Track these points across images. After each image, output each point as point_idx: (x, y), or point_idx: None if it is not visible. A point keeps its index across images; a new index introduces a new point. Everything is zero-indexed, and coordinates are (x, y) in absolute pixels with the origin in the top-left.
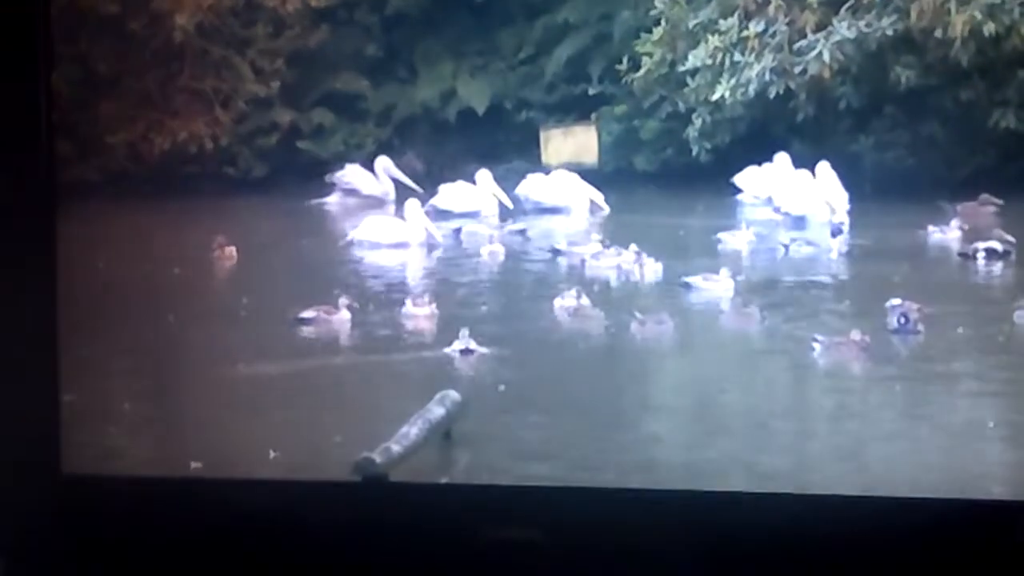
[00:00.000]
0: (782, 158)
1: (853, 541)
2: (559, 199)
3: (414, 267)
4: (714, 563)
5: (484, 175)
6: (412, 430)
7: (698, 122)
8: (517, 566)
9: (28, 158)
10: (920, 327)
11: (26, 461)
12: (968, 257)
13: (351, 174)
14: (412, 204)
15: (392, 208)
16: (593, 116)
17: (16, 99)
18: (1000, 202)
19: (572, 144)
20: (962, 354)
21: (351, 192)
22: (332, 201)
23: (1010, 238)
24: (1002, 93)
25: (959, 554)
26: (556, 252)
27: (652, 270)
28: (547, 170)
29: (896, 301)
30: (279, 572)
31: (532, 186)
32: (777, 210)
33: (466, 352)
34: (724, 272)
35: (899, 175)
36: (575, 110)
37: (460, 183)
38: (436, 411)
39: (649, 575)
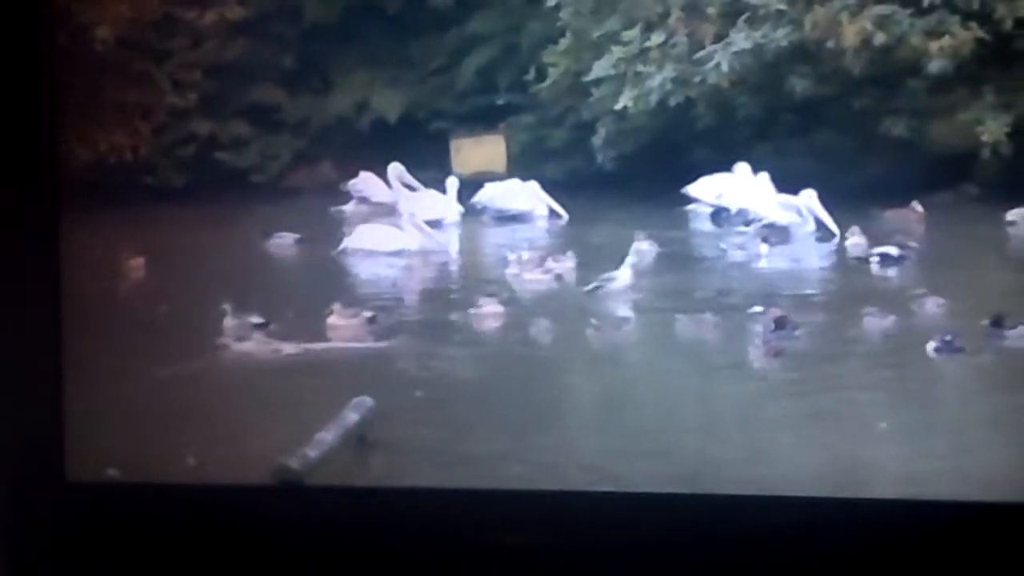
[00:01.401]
0: (743, 167)
1: (852, 543)
2: (519, 206)
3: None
4: (712, 566)
5: (452, 183)
6: (328, 436)
7: (603, 131)
8: (511, 572)
9: None
10: (796, 332)
11: (30, 469)
12: (862, 261)
13: (363, 182)
14: (407, 206)
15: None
16: (502, 126)
17: None
18: (920, 210)
19: (482, 153)
20: (828, 358)
21: (364, 200)
22: (348, 209)
23: (912, 243)
24: (892, 102)
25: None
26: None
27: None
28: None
29: (758, 308)
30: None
31: (491, 194)
32: (751, 220)
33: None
34: (625, 273)
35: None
36: (485, 120)
37: (430, 191)
38: (351, 417)
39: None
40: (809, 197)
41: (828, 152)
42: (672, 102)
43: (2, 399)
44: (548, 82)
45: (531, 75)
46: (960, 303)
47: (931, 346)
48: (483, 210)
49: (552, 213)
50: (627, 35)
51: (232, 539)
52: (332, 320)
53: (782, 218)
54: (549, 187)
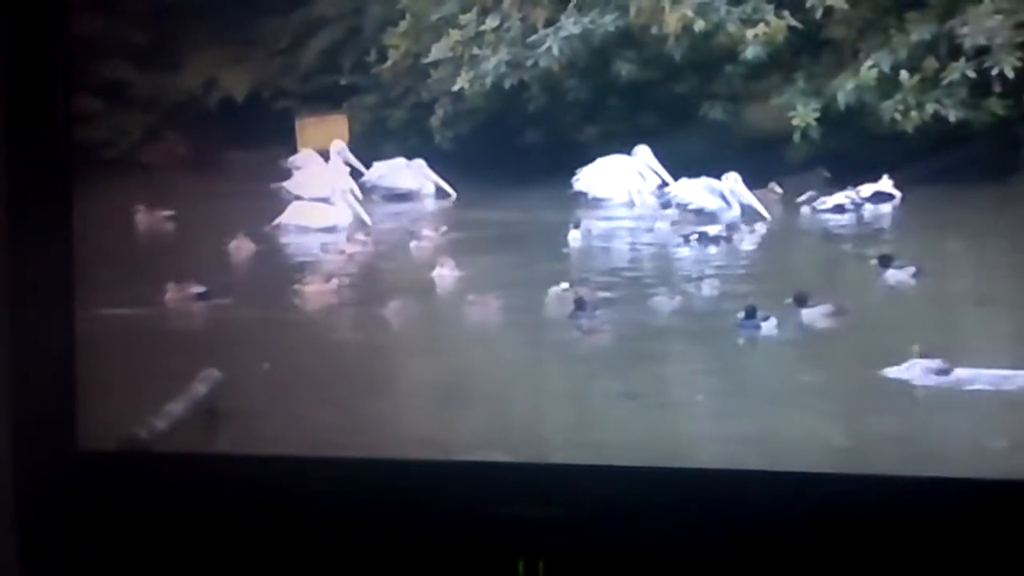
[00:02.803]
0: (643, 150)
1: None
2: (406, 184)
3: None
4: (729, 541)
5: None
6: (176, 407)
7: (440, 112)
8: (530, 543)
9: None
10: (597, 312)
11: (42, 438)
12: (686, 240)
13: (303, 158)
14: (344, 185)
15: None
16: (345, 105)
17: None
18: (780, 190)
19: (325, 132)
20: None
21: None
22: (288, 185)
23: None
24: (711, 87)
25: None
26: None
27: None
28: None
29: (564, 285)
30: (297, 548)
31: (380, 172)
32: (672, 204)
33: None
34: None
35: None
36: (328, 100)
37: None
38: (199, 388)
39: (656, 553)
40: (734, 181)
41: (652, 134)
42: (506, 84)
43: (13, 369)
44: (388, 63)
45: (372, 57)
46: (770, 283)
47: (739, 321)
48: (373, 189)
49: (439, 192)
50: (464, 18)
51: (251, 510)
52: (168, 296)
53: (708, 203)
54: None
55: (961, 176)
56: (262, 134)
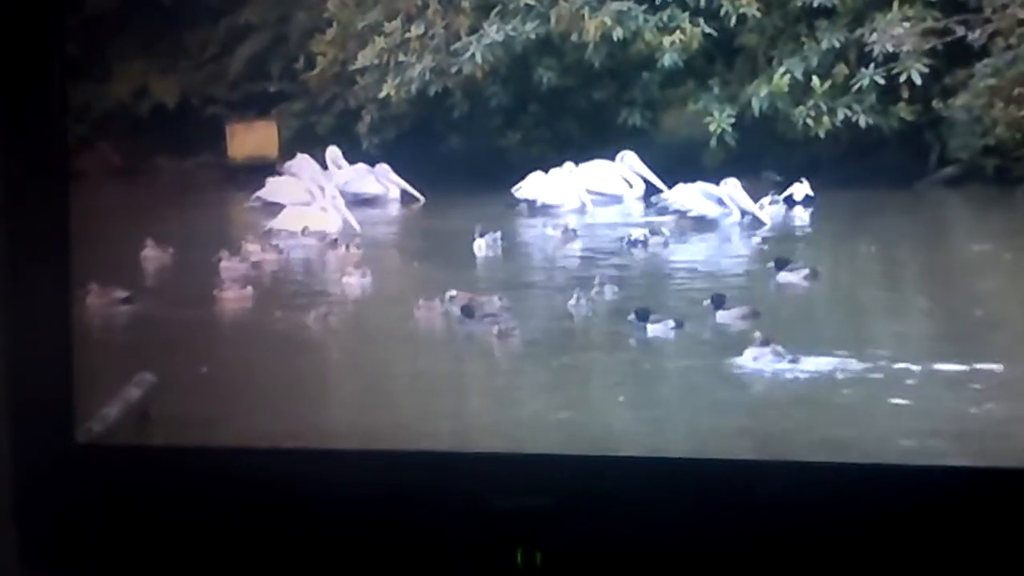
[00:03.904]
0: (630, 156)
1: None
2: (371, 190)
3: None
4: (722, 530)
5: (383, 168)
6: (112, 411)
7: (367, 118)
8: (527, 535)
9: None
10: (486, 319)
11: (39, 430)
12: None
13: (299, 164)
14: (330, 190)
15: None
16: (273, 112)
17: None
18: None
19: (254, 139)
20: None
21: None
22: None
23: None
24: (629, 93)
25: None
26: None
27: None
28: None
29: (452, 293)
30: (293, 542)
31: (345, 178)
32: (670, 209)
33: None
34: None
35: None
36: (257, 106)
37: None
38: (133, 392)
39: (652, 543)
40: (733, 186)
41: (572, 141)
42: (431, 91)
43: (11, 360)
44: (316, 71)
45: (300, 64)
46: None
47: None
48: (341, 193)
49: (405, 196)
50: (389, 26)
51: (249, 502)
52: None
53: (707, 209)
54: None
55: (871, 180)
56: (193, 140)
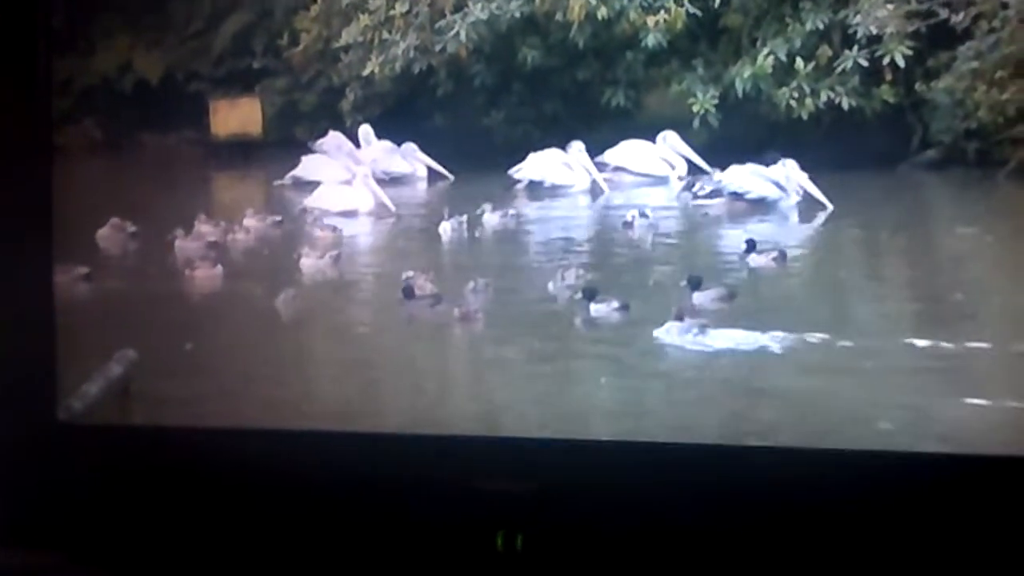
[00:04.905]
0: (671, 136)
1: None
2: (400, 168)
3: None
4: (711, 516)
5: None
6: (92, 388)
7: (351, 96)
8: (509, 518)
9: None
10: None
11: (20, 409)
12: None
13: (331, 141)
14: (362, 171)
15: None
16: (257, 89)
17: None
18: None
19: (238, 115)
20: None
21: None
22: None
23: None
24: (613, 73)
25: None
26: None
27: None
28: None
29: (409, 273)
30: (273, 522)
31: (373, 157)
32: (725, 192)
33: None
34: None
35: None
36: (240, 83)
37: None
38: (115, 369)
39: (639, 527)
40: (791, 168)
41: (555, 121)
42: (415, 69)
43: None
44: (300, 47)
45: (284, 40)
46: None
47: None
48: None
49: (433, 174)
50: (373, 3)
51: (228, 482)
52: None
53: (766, 191)
54: (301, 149)
55: (853, 162)
56: (176, 116)
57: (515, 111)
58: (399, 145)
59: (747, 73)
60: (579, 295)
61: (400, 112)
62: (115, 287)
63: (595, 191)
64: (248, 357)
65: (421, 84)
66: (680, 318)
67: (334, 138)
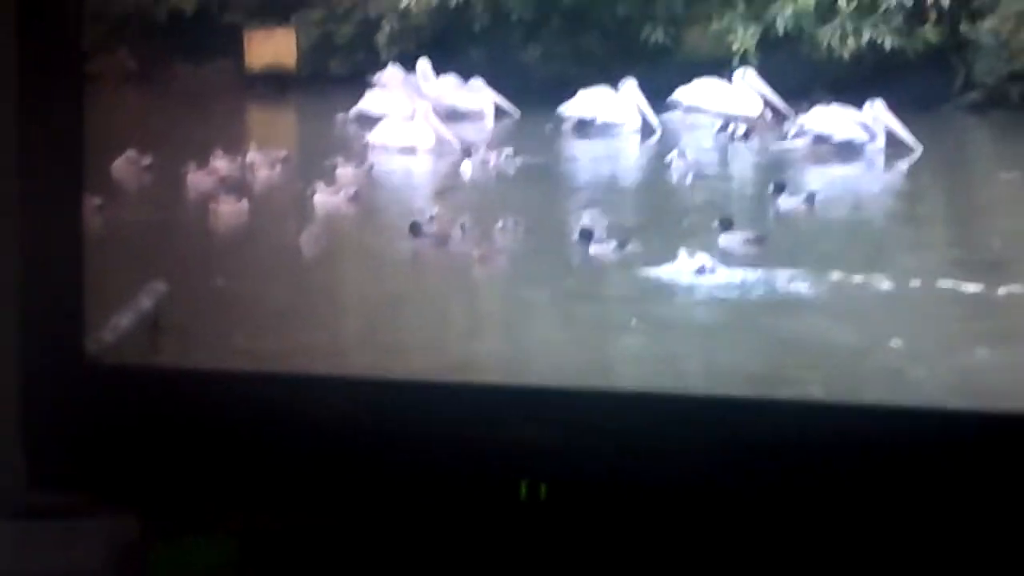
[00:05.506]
0: (750, 73)
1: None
2: (469, 104)
3: None
4: (735, 468)
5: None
6: (122, 320)
7: (387, 28)
8: (536, 467)
9: None
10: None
11: (47, 349)
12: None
13: (390, 76)
14: (422, 106)
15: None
16: (292, 19)
17: None
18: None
19: (272, 47)
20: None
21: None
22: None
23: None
24: (652, 8)
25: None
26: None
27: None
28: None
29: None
30: (295, 469)
31: (437, 92)
32: (809, 135)
33: None
34: None
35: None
36: (276, 14)
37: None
38: (144, 302)
39: (667, 478)
40: (880, 108)
41: (592, 57)
42: (452, 2)
43: (21, 267)
44: None
45: None
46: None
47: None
48: (436, 106)
49: (499, 111)
50: None
51: (256, 428)
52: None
53: (853, 133)
54: (333, 81)
55: (894, 105)
56: (210, 47)
57: (552, 47)
58: (465, 80)
59: (789, 10)
60: (576, 236)
61: (436, 46)
62: (139, 219)
63: (646, 130)
64: (267, 298)
65: (457, 18)
66: (692, 255)
67: (393, 72)
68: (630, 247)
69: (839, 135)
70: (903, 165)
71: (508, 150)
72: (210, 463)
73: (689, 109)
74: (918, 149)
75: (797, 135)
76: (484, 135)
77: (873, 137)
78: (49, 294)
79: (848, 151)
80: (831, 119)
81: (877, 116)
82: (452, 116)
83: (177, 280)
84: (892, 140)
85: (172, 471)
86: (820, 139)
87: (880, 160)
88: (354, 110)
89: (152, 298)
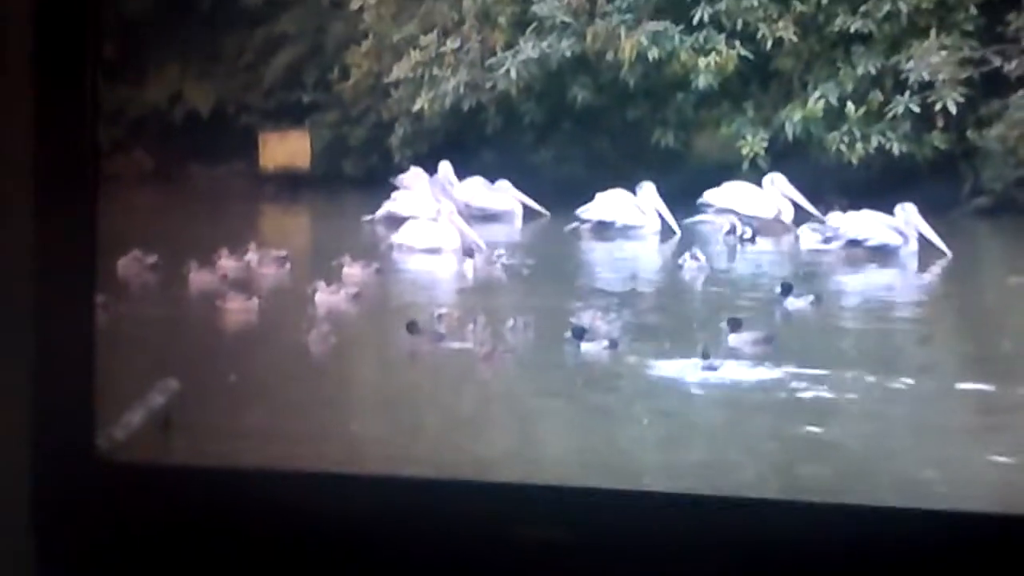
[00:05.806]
0: (779, 179)
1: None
2: (498, 206)
3: None
4: (740, 570)
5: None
6: (134, 417)
7: (400, 131)
8: (544, 566)
9: None
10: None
11: (60, 444)
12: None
13: (412, 177)
14: (447, 207)
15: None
16: (307, 122)
17: None
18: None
19: (287, 148)
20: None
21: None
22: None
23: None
24: (663, 113)
25: None
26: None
27: None
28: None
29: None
30: (306, 567)
31: (467, 195)
32: (843, 238)
33: None
34: None
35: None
36: (290, 116)
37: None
38: (156, 399)
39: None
40: (912, 212)
41: (603, 160)
42: (465, 105)
43: (34, 363)
44: (350, 82)
45: (335, 74)
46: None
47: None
48: (461, 211)
49: (527, 211)
50: (424, 40)
51: (264, 525)
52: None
53: (887, 237)
54: (346, 183)
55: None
56: (226, 148)
57: (564, 149)
58: (492, 182)
59: (797, 116)
60: (568, 334)
61: (448, 148)
62: (149, 317)
63: (664, 233)
64: (278, 395)
65: (470, 121)
66: (705, 356)
67: (416, 173)
68: (621, 347)
69: (874, 239)
70: (936, 268)
71: (502, 251)
72: (221, 561)
73: (720, 211)
74: (949, 253)
75: (832, 238)
76: (513, 235)
77: (906, 241)
78: (61, 391)
79: (881, 255)
80: (865, 223)
81: (909, 219)
82: (482, 217)
83: (187, 377)
84: (924, 244)
85: (182, 569)
86: (854, 243)
87: (913, 263)
88: (381, 211)
89: (164, 395)
